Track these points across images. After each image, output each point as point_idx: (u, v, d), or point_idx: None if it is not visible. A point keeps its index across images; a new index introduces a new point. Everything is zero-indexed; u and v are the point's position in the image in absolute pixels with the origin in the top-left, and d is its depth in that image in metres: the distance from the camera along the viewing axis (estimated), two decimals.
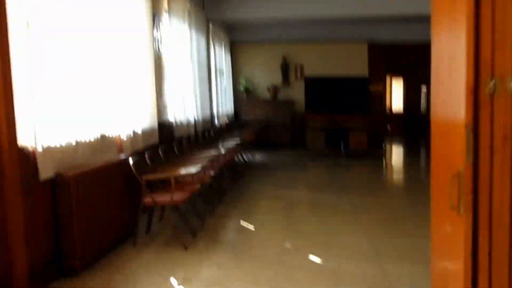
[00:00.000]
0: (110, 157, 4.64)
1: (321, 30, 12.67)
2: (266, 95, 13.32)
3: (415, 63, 14.82)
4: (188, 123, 7.48)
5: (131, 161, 4.64)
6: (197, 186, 5.25)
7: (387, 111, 19.96)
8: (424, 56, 12.74)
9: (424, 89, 17.02)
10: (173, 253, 4.53)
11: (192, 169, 5.02)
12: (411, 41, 13.14)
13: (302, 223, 5.71)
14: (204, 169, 5.41)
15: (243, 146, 9.05)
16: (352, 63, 13.48)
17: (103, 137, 4.57)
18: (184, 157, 6.13)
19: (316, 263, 4.28)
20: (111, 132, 4.75)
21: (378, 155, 12.15)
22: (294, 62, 13.48)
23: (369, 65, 13.44)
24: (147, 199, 4.66)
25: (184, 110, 7.27)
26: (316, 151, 11.95)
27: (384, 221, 5.65)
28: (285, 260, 4.39)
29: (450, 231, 2.10)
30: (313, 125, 12.12)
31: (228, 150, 7.24)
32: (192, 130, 7.67)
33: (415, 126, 18.04)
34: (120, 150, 4.93)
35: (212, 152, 6.52)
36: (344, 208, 6.39)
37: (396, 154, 13.39)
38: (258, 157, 11.16)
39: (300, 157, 11.48)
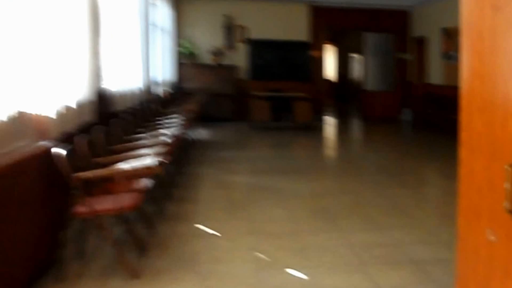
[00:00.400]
0: (25, 145, 3.18)
1: None
2: (209, 60, 11.93)
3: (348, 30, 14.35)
4: (132, 94, 5.99)
5: (59, 150, 3.21)
6: (148, 181, 3.93)
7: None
8: (367, 22, 11.72)
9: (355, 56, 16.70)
10: (118, 284, 3.22)
11: (148, 160, 3.68)
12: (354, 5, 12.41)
13: (266, 221, 4.56)
14: (157, 156, 4.07)
15: (189, 122, 7.70)
16: (294, 26, 12.45)
17: (15, 116, 3.07)
18: (129, 140, 4.71)
19: (299, 280, 3.32)
20: (27, 109, 3.25)
21: (322, 127, 11.29)
22: (238, 23, 12.15)
23: (311, 29, 12.51)
24: (81, 208, 3.25)
25: (125, 77, 5.77)
26: (261, 124, 10.79)
27: (352, 211, 4.94)
28: (263, 278, 3.33)
29: (496, 241, 1.69)
30: (257, 94, 10.89)
31: (178, 129, 5.88)
32: (135, 103, 6.19)
33: (347, 95, 17.92)
34: (42, 134, 3.43)
35: (162, 133, 5.15)
36: (304, 194, 5.57)
37: (337, 126, 12.58)
38: (201, 133, 9.84)
39: (246, 132, 10.33)
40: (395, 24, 13.08)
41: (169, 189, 5.32)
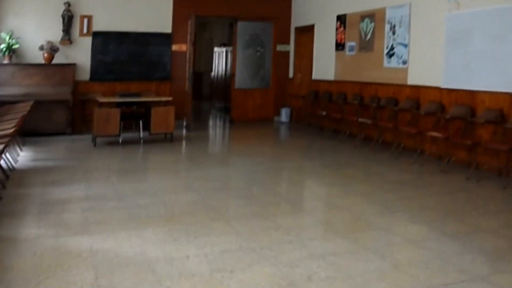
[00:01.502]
0: None
1: None
2: (39, 57, 9.20)
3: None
4: None
5: None
6: None
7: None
8: (239, 10, 9.50)
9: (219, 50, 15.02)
10: None
11: None
12: None
13: None
14: None
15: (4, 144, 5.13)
16: (155, 16, 10.28)
17: None
18: None
19: None
20: None
21: (188, 137, 9.26)
22: (81, 12, 9.61)
23: (175, 19, 10.45)
24: None
25: None
26: (109, 139, 8.42)
27: None
28: None
29: None
30: (103, 100, 8.51)
31: None
32: None
33: (213, 94, 16.39)
34: None
35: None
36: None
37: (203, 135, 10.67)
38: (23, 157, 7.17)
39: (88, 150, 7.86)
40: (275, 11, 11.46)
41: None
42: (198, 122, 11.94)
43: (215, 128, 11.30)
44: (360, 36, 9.09)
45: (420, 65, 7.62)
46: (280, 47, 11.67)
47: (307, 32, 11.11)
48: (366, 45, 8.95)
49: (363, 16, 9.02)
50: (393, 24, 8.20)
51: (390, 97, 8.20)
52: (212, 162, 7.31)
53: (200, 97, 17.48)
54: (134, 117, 8.94)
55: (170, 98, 8.69)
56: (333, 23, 9.94)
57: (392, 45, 8.21)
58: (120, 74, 9.97)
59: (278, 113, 11.67)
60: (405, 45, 7.90)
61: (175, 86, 10.51)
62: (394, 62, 8.16)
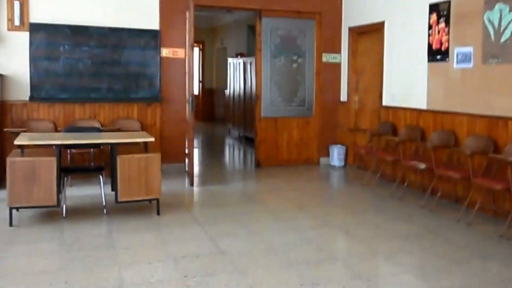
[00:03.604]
0: None
1: None
2: None
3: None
4: None
5: None
6: None
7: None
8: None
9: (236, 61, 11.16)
10: None
11: None
12: None
13: None
14: None
15: None
16: (133, 4, 6.67)
17: None
18: None
19: None
20: None
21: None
22: None
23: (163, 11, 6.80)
24: None
25: None
26: (42, 209, 4.60)
27: None
28: None
29: None
30: (25, 143, 4.77)
31: None
32: None
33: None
34: None
35: None
36: None
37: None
38: None
39: None
40: (318, 2, 7.74)
41: None
42: (208, 165, 8.24)
43: (234, 177, 7.41)
44: (486, 35, 5.25)
45: None
46: (327, 57, 7.91)
47: (370, 34, 7.33)
48: (500, 52, 5.11)
49: (490, 1, 5.21)
50: None
51: None
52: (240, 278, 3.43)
53: (212, 119, 14.03)
54: (87, 170, 5.18)
55: (152, 139, 4.85)
56: (422, 18, 6.13)
57: None
58: (80, 93, 6.25)
59: (327, 153, 7.87)
60: None
61: (168, 111, 6.88)
62: None
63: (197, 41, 15.17)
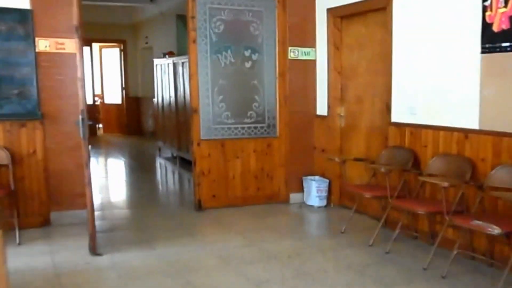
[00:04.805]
0: None
1: None
2: None
3: None
4: None
5: None
6: None
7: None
8: None
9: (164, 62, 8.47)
10: None
11: None
12: None
13: None
14: None
15: None
16: None
17: None
18: None
19: None
20: None
21: None
22: None
23: None
24: None
25: None
26: None
27: None
28: None
29: None
30: None
31: None
32: None
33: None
34: None
35: None
36: None
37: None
38: None
39: None
40: None
41: None
42: (129, 204, 5.74)
43: (163, 233, 4.68)
44: None
45: None
46: (295, 52, 5.51)
47: (364, 16, 5.01)
48: None
49: None
50: None
51: None
52: None
53: (139, 133, 12.54)
54: None
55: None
56: None
57: None
58: None
59: (299, 188, 5.47)
60: None
61: (56, 132, 4.60)
62: None
63: (117, 39, 12.47)
